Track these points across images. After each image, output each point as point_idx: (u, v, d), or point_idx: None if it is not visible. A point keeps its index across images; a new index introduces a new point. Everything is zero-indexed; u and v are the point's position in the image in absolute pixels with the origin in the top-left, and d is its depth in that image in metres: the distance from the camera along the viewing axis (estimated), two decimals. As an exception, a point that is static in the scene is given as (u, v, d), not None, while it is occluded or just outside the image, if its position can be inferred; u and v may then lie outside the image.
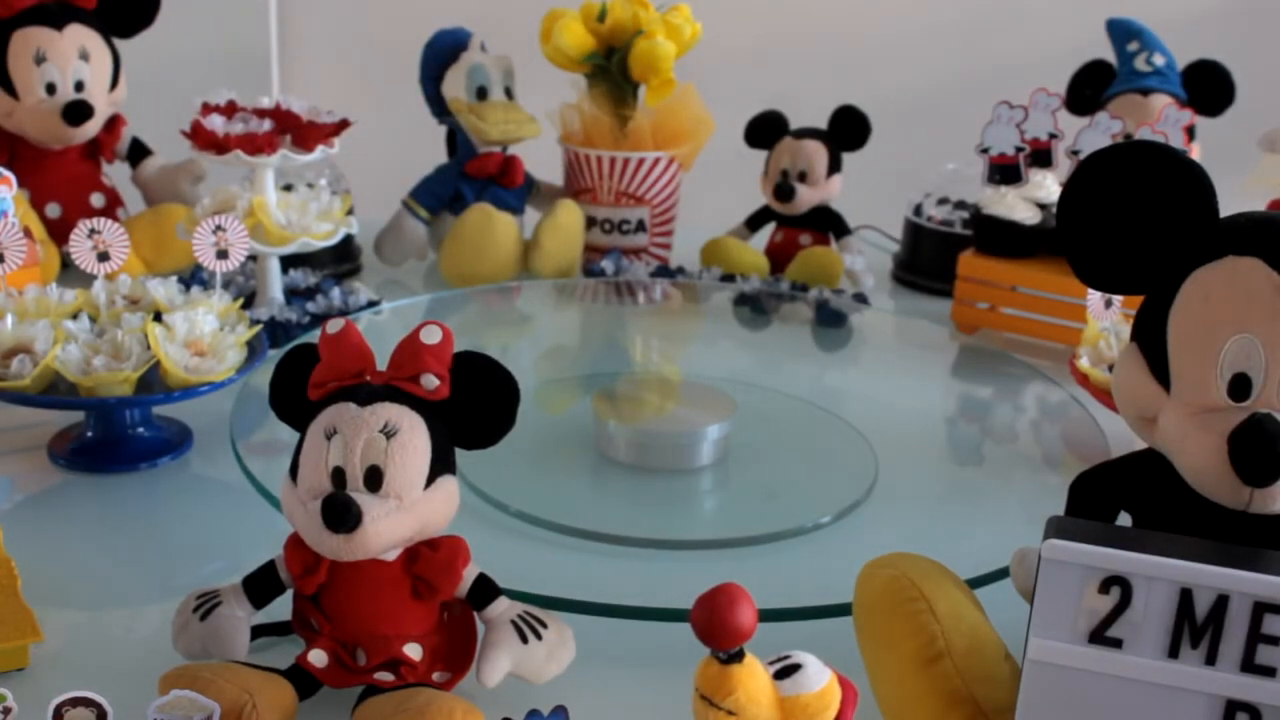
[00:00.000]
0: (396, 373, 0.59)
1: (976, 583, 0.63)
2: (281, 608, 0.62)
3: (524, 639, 0.59)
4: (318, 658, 0.59)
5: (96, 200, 1.25)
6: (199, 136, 1.00)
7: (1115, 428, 0.83)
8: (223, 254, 0.85)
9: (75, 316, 0.84)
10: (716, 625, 0.44)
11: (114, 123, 1.25)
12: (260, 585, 0.61)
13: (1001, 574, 0.65)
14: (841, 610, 0.62)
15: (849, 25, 1.81)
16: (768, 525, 0.77)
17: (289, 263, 1.16)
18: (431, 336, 0.59)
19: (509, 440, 0.60)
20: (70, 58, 1.17)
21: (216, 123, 1.01)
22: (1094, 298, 0.84)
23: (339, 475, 0.56)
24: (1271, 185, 1.17)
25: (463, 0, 1.42)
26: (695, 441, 0.86)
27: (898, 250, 1.36)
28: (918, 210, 1.31)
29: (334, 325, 0.60)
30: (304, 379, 0.60)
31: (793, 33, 1.81)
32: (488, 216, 1.18)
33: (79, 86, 1.18)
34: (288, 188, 1.13)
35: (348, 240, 1.27)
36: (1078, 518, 0.57)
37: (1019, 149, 1.07)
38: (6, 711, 0.53)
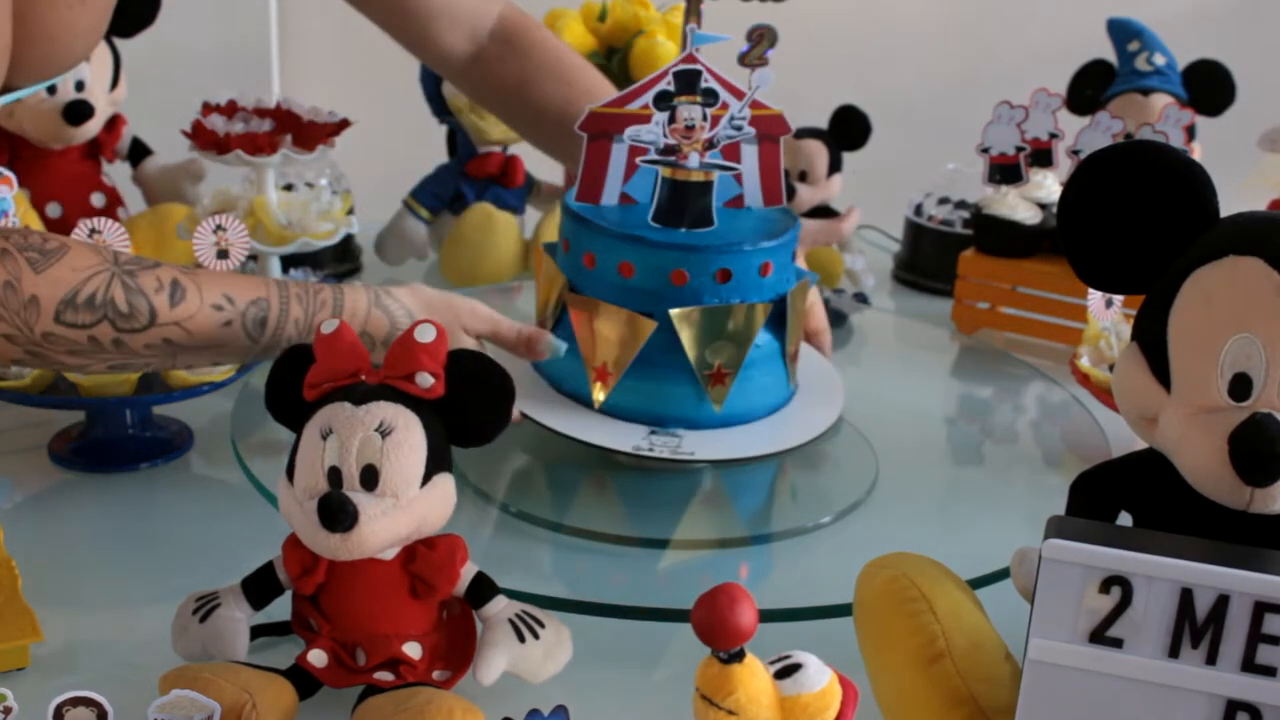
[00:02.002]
0: (391, 372, 0.59)
1: (976, 583, 0.63)
2: (281, 608, 0.62)
3: (521, 638, 0.59)
4: (317, 658, 0.59)
5: (97, 200, 1.25)
6: (200, 136, 1.00)
7: (1115, 428, 0.83)
8: (223, 254, 0.85)
9: (75, 316, 0.84)
10: (717, 625, 0.44)
11: (114, 122, 1.25)
12: (259, 586, 0.61)
13: (1001, 574, 0.65)
14: (841, 610, 0.62)
15: (849, 26, 1.80)
16: (768, 525, 0.77)
17: (289, 262, 1.16)
18: (425, 335, 0.59)
19: (509, 439, 0.60)
20: (70, 57, 1.17)
21: (217, 122, 1.01)
22: (1094, 298, 0.84)
23: (335, 475, 0.56)
24: (1271, 185, 1.17)
25: (463, 0, 1.42)
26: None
27: (898, 250, 1.35)
28: (918, 210, 1.31)
29: (328, 325, 0.60)
30: (300, 380, 0.60)
31: (793, 33, 1.81)
32: (488, 216, 1.18)
33: (79, 86, 1.18)
34: (288, 188, 1.13)
35: (348, 240, 1.27)
36: (1078, 518, 0.57)
37: (1019, 149, 1.07)
38: (7, 711, 0.53)
